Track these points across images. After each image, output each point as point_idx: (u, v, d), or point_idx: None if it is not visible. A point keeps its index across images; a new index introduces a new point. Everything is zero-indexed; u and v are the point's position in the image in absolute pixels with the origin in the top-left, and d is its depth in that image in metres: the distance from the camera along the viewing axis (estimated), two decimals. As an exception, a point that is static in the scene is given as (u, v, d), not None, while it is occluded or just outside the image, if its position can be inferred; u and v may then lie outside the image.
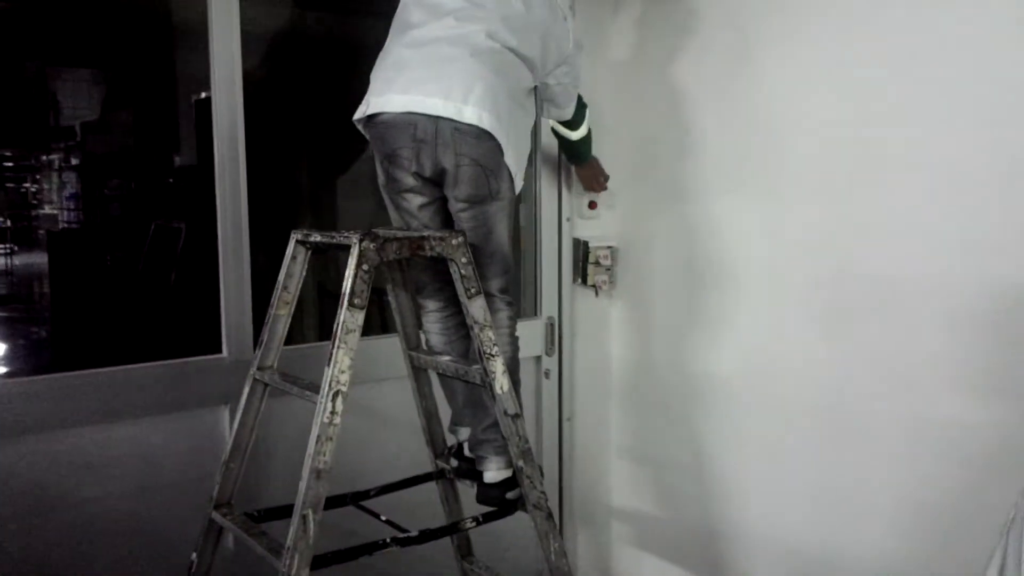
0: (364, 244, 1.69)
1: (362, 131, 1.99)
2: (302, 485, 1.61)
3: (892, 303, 2.12)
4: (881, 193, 2.13)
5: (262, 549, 1.69)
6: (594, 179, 2.71)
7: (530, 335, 2.74)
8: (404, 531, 1.90)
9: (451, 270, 1.85)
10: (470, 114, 1.81)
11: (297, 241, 1.92)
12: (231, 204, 2.25)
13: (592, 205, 2.86)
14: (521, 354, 2.13)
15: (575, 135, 2.47)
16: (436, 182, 1.93)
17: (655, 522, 2.88)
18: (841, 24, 2.20)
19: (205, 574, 1.90)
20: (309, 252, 1.94)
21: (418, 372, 2.16)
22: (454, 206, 1.94)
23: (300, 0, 2.90)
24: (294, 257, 1.92)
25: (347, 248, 1.72)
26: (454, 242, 1.84)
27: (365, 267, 1.69)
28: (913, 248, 2.07)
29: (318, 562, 1.63)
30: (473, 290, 1.86)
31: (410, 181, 1.92)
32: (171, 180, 6.62)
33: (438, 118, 1.82)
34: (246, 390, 1.91)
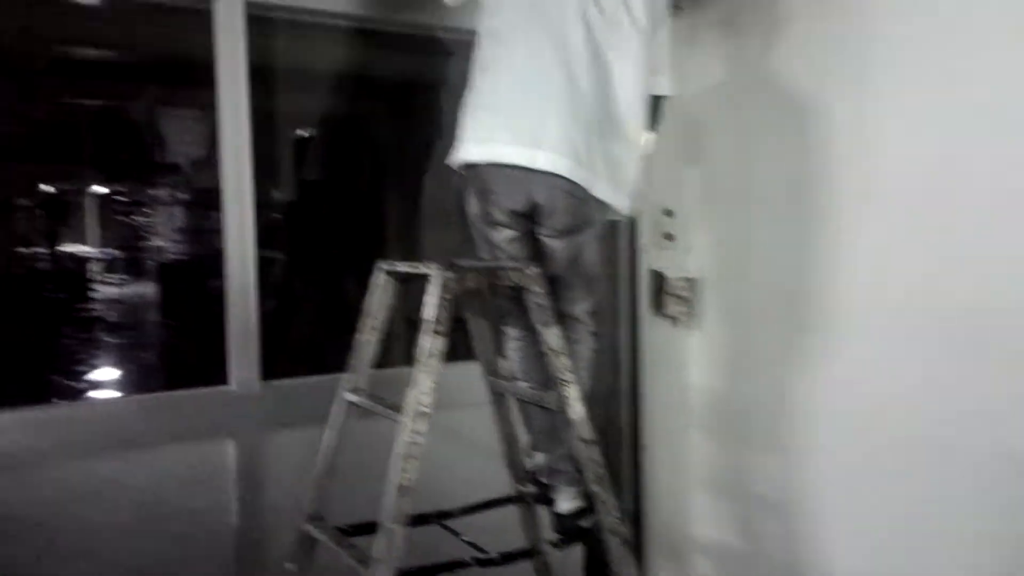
0: (445, 274, 1.80)
1: (454, 167, 2.10)
2: (387, 500, 1.71)
3: (995, 338, 2.06)
4: (989, 228, 2.07)
5: (352, 560, 1.79)
6: None
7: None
8: (485, 552, 1.98)
9: (526, 300, 1.94)
10: (543, 160, 1.89)
11: (383, 271, 2.04)
12: (238, 240, 2.42)
13: (669, 236, 2.91)
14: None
15: (647, 144, 2.33)
16: (528, 215, 2.01)
17: (737, 558, 2.86)
18: (957, 49, 2.11)
19: (299, 583, 2.01)
20: (394, 281, 2.06)
21: (498, 398, 2.24)
22: (547, 236, 2.02)
23: (371, 40, 3.05)
24: (380, 286, 2.05)
25: (429, 277, 1.84)
26: (529, 273, 1.93)
27: (446, 296, 1.80)
28: (1017, 282, 2.01)
29: None
30: (548, 318, 1.94)
31: (503, 217, 2.01)
32: (272, 213, 6.94)
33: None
34: (336, 410, 2.03)
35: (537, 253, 2.07)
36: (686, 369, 3.00)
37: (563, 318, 2.07)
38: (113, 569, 2.19)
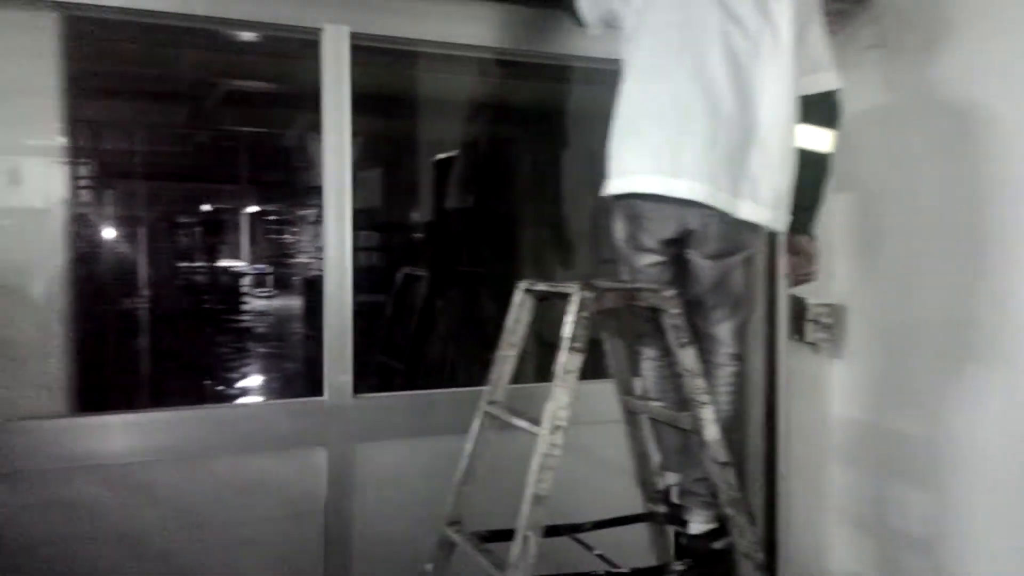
0: (583, 294, 1.86)
1: (604, 195, 2.14)
2: (524, 508, 1.78)
3: None
4: None
5: (488, 564, 1.87)
6: (807, 262, 2.22)
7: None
8: (615, 566, 2.01)
9: (662, 321, 1.97)
10: (684, 189, 1.93)
11: (524, 290, 2.12)
12: (336, 258, 2.53)
13: (810, 261, 2.85)
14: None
15: (825, 143, 2.15)
16: (677, 240, 2.04)
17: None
18: None
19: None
20: (533, 300, 2.14)
21: (631, 416, 2.28)
22: (697, 260, 2.04)
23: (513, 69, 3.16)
24: (520, 304, 2.13)
25: (568, 297, 1.90)
26: (665, 294, 1.97)
27: (584, 314, 1.86)
28: None
29: (537, 585, 1.78)
30: (684, 339, 1.97)
31: (652, 243, 2.05)
32: (412, 232, 7.29)
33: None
34: (476, 422, 2.12)
35: (681, 274, 2.09)
36: (826, 398, 2.93)
37: (705, 339, 2.09)
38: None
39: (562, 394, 1.83)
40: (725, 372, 2.08)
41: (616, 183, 2.04)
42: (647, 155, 1.97)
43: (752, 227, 1.99)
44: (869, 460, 2.80)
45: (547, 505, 1.79)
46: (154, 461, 2.24)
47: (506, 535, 2.01)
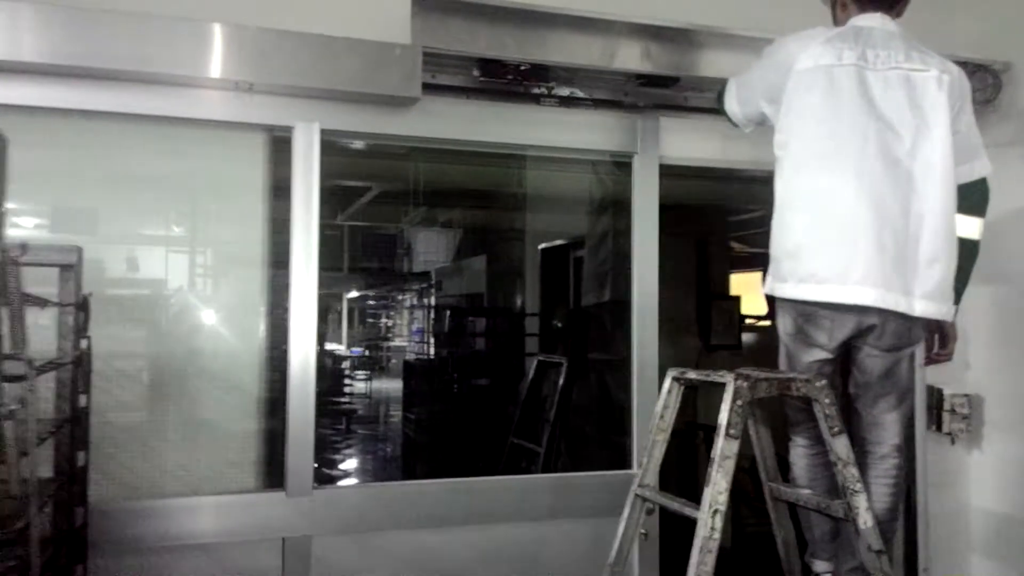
0: (738, 383, 1.98)
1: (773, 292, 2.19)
2: (687, 590, 1.87)
3: None
4: None
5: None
6: (946, 343, 2.28)
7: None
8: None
9: (815, 410, 2.05)
10: (855, 295, 1.99)
11: (673, 378, 2.25)
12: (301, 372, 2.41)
13: (944, 351, 2.88)
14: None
15: (976, 231, 2.19)
16: (852, 337, 2.10)
17: None
18: None
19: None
20: (682, 387, 2.25)
21: (777, 503, 2.34)
22: (869, 352, 2.10)
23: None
24: (669, 391, 2.25)
25: (721, 385, 2.02)
26: (818, 384, 2.06)
27: (739, 403, 1.97)
28: None
29: (698, 663, 1.85)
30: (836, 429, 2.04)
31: (825, 341, 2.11)
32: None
33: None
34: (628, 504, 2.23)
35: (844, 365, 2.17)
36: (965, 489, 2.91)
37: (869, 429, 2.15)
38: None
39: (720, 478, 1.93)
40: (888, 464, 2.12)
41: (790, 289, 2.10)
42: (823, 265, 2.04)
43: (924, 321, 2.06)
44: (1009, 552, 2.75)
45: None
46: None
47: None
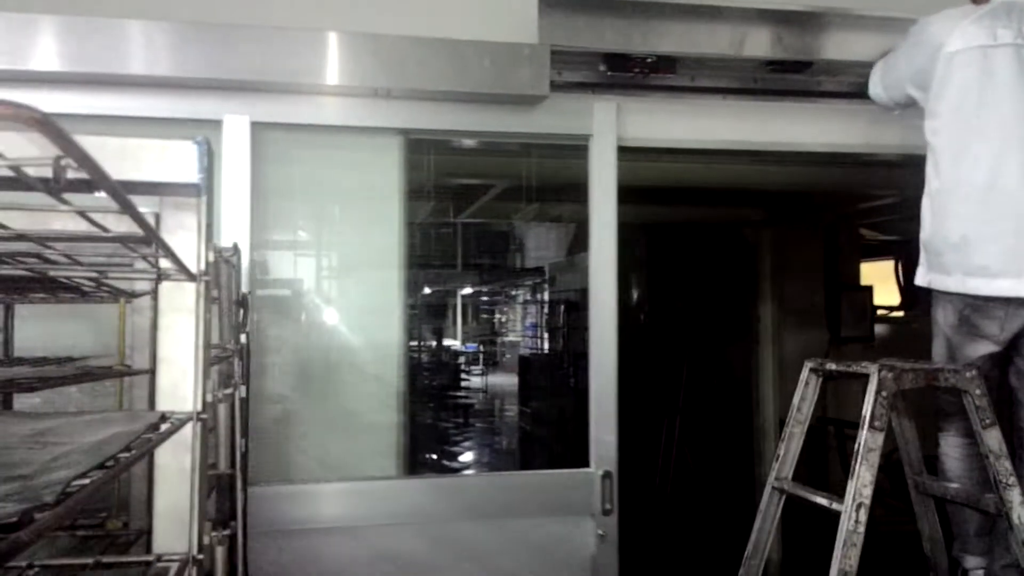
0: (883, 374, 1.93)
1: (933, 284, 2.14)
2: (831, 583, 1.84)
3: None
4: None
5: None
6: None
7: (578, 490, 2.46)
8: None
9: (965, 402, 1.98)
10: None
11: (811, 369, 2.21)
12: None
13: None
14: (567, 513, 2.26)
15: None
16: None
17: None
18: None
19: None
20: (820, 379, 2.22)
21: (923, 498, 2.27)
22: None
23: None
24: (807, 383, 2.22)
25: (863, 377, 1.98)
26: (968, 375, 1.99)
27: (884, 394, 1.92)
28: None
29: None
30: (988, 421, 1.97)
31: (994, 331, 2.04)
32: (633, 312, 7.46)
33: None
34: (765, 496, 2.21)
35: (1008, 353, 2.10)
36: None
37: None
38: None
39: (864, 471, 1.89)
40: None
41: (956, 282, 2.04)
42: (996, 258, 1.97)
43: None
44: None
45: None
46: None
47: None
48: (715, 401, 6.20)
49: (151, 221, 0.86)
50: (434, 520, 2.39)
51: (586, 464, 2.49)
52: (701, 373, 6.42)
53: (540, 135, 2.62)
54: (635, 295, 7.59)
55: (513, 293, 18.25)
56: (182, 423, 0.91)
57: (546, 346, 12.08)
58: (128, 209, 0.66)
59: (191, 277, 0.92)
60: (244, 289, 2.08)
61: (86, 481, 0.58)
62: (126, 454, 0.70)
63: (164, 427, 0.87)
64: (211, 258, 0.96)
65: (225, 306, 1.17)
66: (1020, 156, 1.94)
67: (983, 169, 1.99)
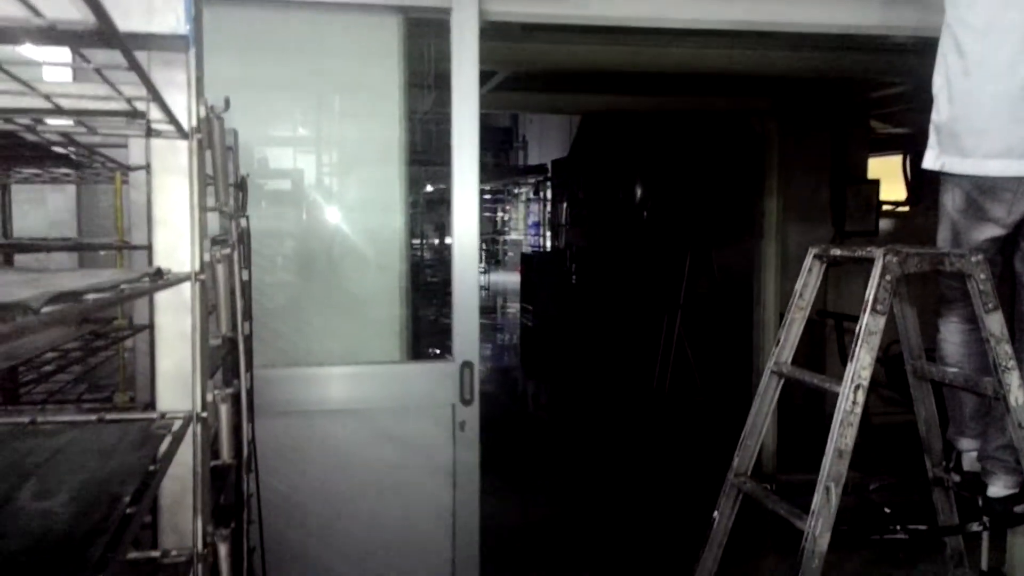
0: (888, 258, 1.92)
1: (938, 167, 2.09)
2: (826, 461, 1.88)
3: None
4: None
5: (785, 512, 1.99)
6: None
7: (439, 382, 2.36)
8: (910, 524, 2.06)
9: (969, 286, 1.98)
10: None
11: (815, 255, 2.20)
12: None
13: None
14: (432, 400, 2.19)
15: None
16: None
17: None
18: None
19: (725, 529, 2.26)
20: (824, 266, 2.20)
21: (920, 383, 2.29)
22: None
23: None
24: (810, 270, 2.21)
25: (868, 261, 1.96)
26: (973, 260, 1.97)
27: (888, 278, 1.91)
28: None
29: (838, 533, 1.88)
30: (991, 305, 1.96)
31: (1001, 213, 2.01)
32: (637, 211, 7.43)
33: None
34: (764, 380, 2.24)
35: (1013, 237, 2.08)
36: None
37: None
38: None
39: (864, 354, 1.90)
40: None
41: (972, 164, 1.99)
42: (1015, 139, 1.93)
43: None
44: None
45: (848, 458, 1.88)
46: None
47: (791, 489, 2.12)
48: (717, 297, 6.24)
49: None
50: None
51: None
52: (703, 269, 6.43)
53: (402, 7, 2.37)
54: (638, 192, 7.53)
55: (516, 191, 18.18)
56: (179, 280, 0.90)
57: (547, 244, 12.11)
58: (116, 41, 0.62)
59: (183, 134, 0.89)
60: (242, 172, 2.05)
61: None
62: (127, 286, 0.69)
63: (161, 282, 0.86)
64: (202, 113, 0.93)
65: (220, 175, 1.13)
66: None
67: (1010, 46, 1.91)
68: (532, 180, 15.78)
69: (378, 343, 2.41)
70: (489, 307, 14.76)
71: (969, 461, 2.19)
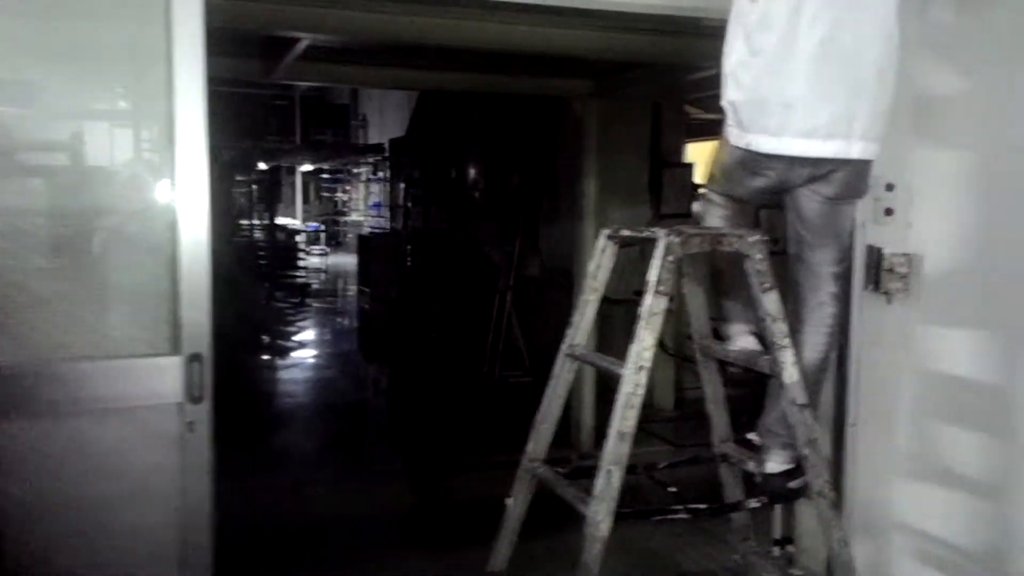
0: (670, 238, 1.91)
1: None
2: (608, 444, 1.86)
3: None
4: None
5: (571, 497, 1.96)
6: None
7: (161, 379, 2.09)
8: (690, 504, 2.09)
9: (746, 266, 2.01)
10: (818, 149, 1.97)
11: (607, 236, 2.17)
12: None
13: (889, 211, 2.83)
14: (158, 400, 2.04)
15: None
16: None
17: (939, 541, 2.78)
18: None
19: (520, 515, 2.21)
20: (616, 246, 2.19)
21: (706, 361, 2.33)
22: (811, 198, 2.06)
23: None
24: (603, 251, 2.18)
25: (653, 241, 1.95)
26: (750, 239, 2.00)
27: (670, 258, 1.91)
28: None
29: (619, 517, 1.87)
30: (767, 284, 2.01)
31: (774, 171, 2.03)
32: (469, 193, 7.36)
33: None
34: (558, 363, 2.20)
35: (786, 209, 2.12)
36: (899, 347, 2.92)
37: (810, 277, 2.13)
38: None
39: (647, 336, 1.89)
40: (826, 312, 2.11)
41: (785, 144, 1.98)
42: (823, 118, 1.95)
43: (867, 167, 2.04)
44: (938, 410, 2.80)
45: (630, 441, 1.87)
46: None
47: (587, 471, 2.10)
48: (545, 279, 6.29)
49: None
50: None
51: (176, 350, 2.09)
52: (532, 251, 6.46)
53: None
54: (471, 172, 7.48)
55: (356, 171, 17.73)
56: None
57: (388, 225, 11.86)
58: None
59: None
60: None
61: None
62: None
63: None
64: None
65: None
66: (859, 15, 1.91)
67: (821, 27, 1.90)
68: (372, 159, 15.41)
69: (143, 335, 2.16)
70: (329, 290, 14.41)
71: (752, 436, 2.25)
